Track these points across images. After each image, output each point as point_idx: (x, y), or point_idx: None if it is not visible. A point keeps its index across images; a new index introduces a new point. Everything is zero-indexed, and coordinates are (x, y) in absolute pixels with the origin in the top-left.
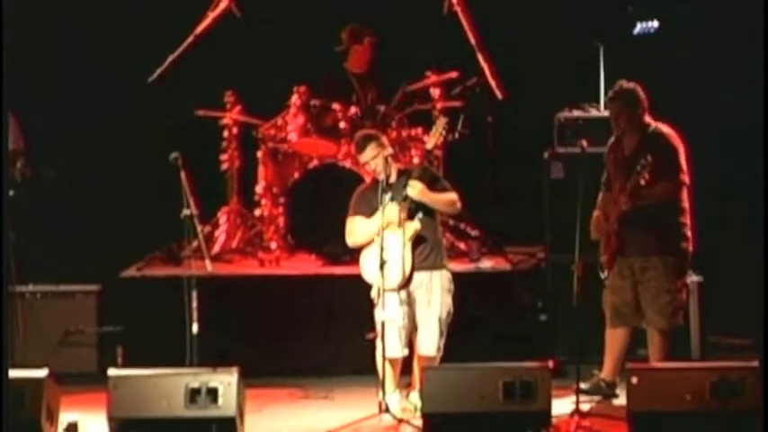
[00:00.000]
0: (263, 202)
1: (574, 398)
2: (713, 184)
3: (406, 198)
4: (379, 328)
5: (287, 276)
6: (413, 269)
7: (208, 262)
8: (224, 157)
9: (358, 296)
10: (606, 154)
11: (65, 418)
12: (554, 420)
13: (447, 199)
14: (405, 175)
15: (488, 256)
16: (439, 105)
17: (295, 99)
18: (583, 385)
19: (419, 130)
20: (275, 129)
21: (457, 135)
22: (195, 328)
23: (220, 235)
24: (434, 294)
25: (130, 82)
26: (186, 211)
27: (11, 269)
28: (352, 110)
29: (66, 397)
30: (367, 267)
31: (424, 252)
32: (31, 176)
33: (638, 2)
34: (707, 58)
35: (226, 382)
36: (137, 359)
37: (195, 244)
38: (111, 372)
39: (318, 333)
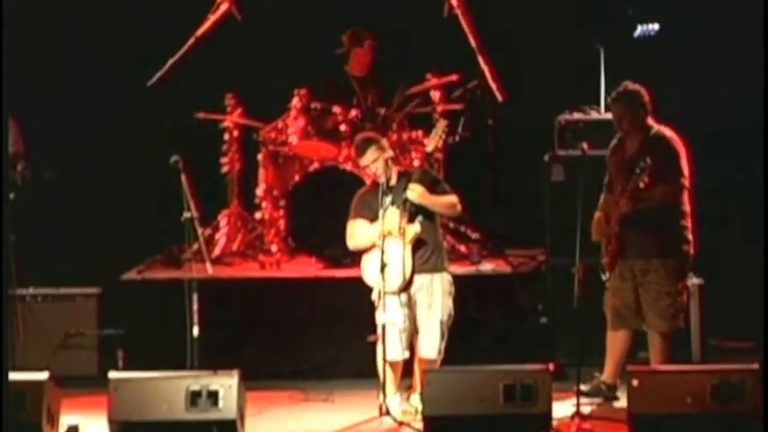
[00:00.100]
0: (264, 204)
1: (574, 400)
2: (713, 185)
3: (406, 201)
4: (379, 330)
5: (287, 279)
6: (413, 272)
7: (208, 265)
8: (224, 159)
9: (359, 299)
10: (608, 156)
11: (65, 420)
12: (555, 423)
13: (447, 201)
14: (405, 177)
15: (489, 258)
16: (439, 108)
17: (296, 102)
18: (583, 387)
19: (419, 132)
20: (276, 131)
21: (457, 138)
22: (196, 330)
23: (221, 238)
24: (435, 297)
25: (131, 84)
26: (187, 214)
27: (11, 271)
28: (353, 113)
29: (66, 400)
30: (368, 270)
31: (425, 255)
32: (32, 179)
33: (639, 4)
34: (707, 59)
35: (226, 384)
36: (137, 362)
37: (196, 247)
38: (112, 374)
39: (319, 336)
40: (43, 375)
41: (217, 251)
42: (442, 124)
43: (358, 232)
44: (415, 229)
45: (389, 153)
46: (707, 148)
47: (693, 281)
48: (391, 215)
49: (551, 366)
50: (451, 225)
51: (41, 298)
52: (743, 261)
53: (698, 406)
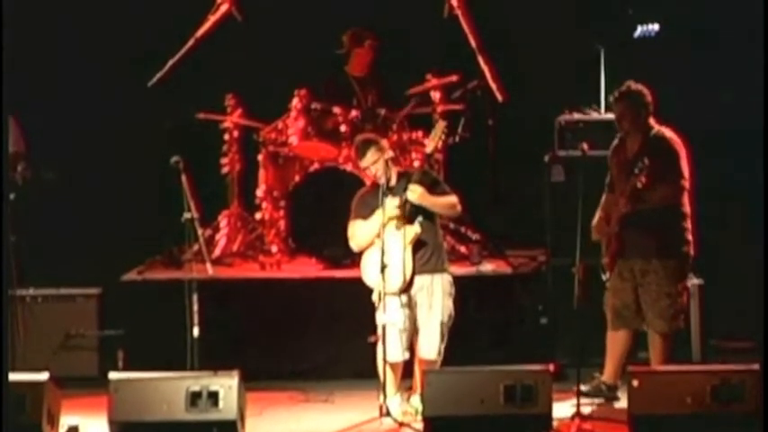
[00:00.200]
0: (264, 205)
1: (575, 401)
2: (713, 185)
3: (406, 202)
4: (380, 331)
5: (288, 280)
6: (413, 273)
7: (209, 265)
8: (225, 160)
9: (359, 299)
10: (610, 156)
11: (66, 421)
12: (555, 423)
13: (447, 202)
14: (405, 177)
15: (489, 259)
16: (439, 108)
17: (296, 102)
18: (583, 387)
19: (419, 133)
20: (276, 132)
21: (457, 138)
22: (196, 331)
23: (221, 238)
24: (435, 298)
25: (131, 84)
26: (187, 215)
27: (11, 272)
28: (353, 113)
29: (66, 400)
30: (368, 271)
31: (425, 255)
32: (32, 179)
33: (639, 5)
34: (707, 59)
35: (226, 385)
36: (137, 362)
37: (196, 247)
38: (112, 375)
39: (319, 336)
40: (43, 376)
41: (217, 252)
42: (441, 125)
43: (359, 232)
44: (415, 229)
45: (389, 154)
46: (707, 148)
47: (693, 281)
48: (391, 204)
49: (551, 367)
50: (452, 226)
51: (42, 298)
52: (743, 261)
53: (698, 406)
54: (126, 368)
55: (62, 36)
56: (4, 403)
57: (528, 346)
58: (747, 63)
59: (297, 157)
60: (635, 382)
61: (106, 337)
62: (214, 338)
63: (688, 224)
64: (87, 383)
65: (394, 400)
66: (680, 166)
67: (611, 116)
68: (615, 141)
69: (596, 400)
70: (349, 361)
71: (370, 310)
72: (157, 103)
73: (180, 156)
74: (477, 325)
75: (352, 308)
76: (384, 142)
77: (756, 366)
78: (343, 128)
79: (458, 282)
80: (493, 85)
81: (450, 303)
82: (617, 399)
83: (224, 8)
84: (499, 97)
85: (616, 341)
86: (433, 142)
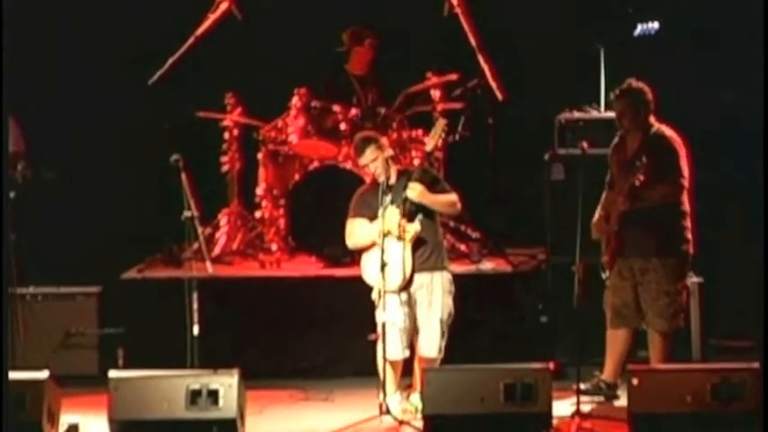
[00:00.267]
0: (264, 203)
1: (575, 399)
2: (713, 185)
3: (405, 200)
4: (379, 329)
5: (288, 278)
6: (413, 271)
7: (208, 264)
8: (224, 158)
9: (359, 298)
10: (610, 154)
11: (66, 419)
12: (555, 422)
13: (447, 200)
14: (405, 176)
15: (489, 257)
16: (439, 107)
17: (295, 101)
18: (583, 386)
19: (419, 131)
20: (276, 130)
21: (457, 136)
22: (196, 329)
23: (221, 237)
24: (435, 296)
25: (131, 83)
26: (187, 213)
27: (12, 271)
28: (353, 111)
29: (66, 399)
30: (368, 269)
31: (425, 254)
32: (32, 178)
33: (639, 3)
34: (707, 59)
35: (226, 383)
36: (137, 361)
37: (196, 246)
38: (112, 373)
39: (319, 335)
40: (43, 374)
41: (217, 250)
42: (441, 123)
43: (357, 231)
44: (414, 227)
45: (389, 152)
46: (707, 148)
47: (693, 280)
48: (391, 214)
49: (551, 365)
50: (452, 224)
51: (42, 297)
52: (743, 261)
53: (698, 405)
54: (126, 366)
55: (62, 36)
56: (4, 402)
57: (528, 345)
58: (747, 63)
59: (297, 156)
60: (635, 381)
61: (106, 335)
62: (214, 337)
63: (688, 223)
64: (87, 382)
65: (394, 399)
66: (679, 164)
67: (611, 114)
68: (615, 139)
69: (596, 399)
70: (349, 359)
71: (370, 308)
72: (157, 102)
73: (180, 154)
74: (477, 323)
75: (352, 306)
76: (384, 140)
77: (756, 365)
78: (342, 126)
79: (458, 280)
80: (493, 84)
81: (449, 301)
82: (617, 397)
83: (224, 7)
84: (499, 96)
85: (616, 340)
86: (433, 140)
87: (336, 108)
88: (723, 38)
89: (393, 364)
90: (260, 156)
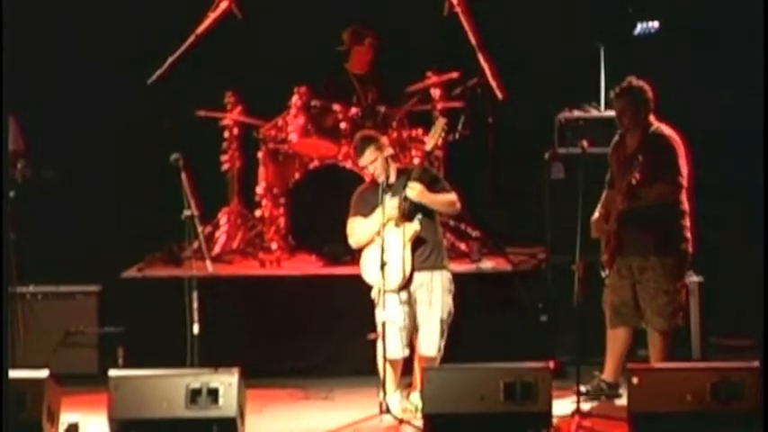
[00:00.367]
0: (264, 202)
1: (574, 398)
2: (713, 185)
3: (405, 199)
4: (379, 328)
5: (287, 277)
6: (413, 270)
7: (208, 263)
8: (225, 157)
9: (359, 297)
10: (610, 153)
11: (65, 418)
12: (555, 421)
13: (447, 199)
14: (404, 174)
15: (489, 256)
16: (439, 106)
17: (296, 100)
18: (585, 388)
19: (419, 130)
20: (276, 129)
21: (457, 135)
22: (196, 328)
23: (221, 236)
24: (435, 295)
25: (131, 82)
26: (187, 212)
27: (11, 270)
28: (353, 110)
29: (66, 398)
30: (367, 268)
31: (425, 253)
32: (32, 177)
33: (639, 2)
34: (707, 59)
35: (226, 382)
36: (137, 360)
37: (196, 245)
38: (112, 372)
39: (319, 334)
40: (43, 373)
41: (217, 249)
42: (441, 123)
43: (358, 229)
44: (414, 227)
45: (389, 151)
46: (707, 148)
47: (694, 279)
48: (390, 204)
49: (551, 364)
50: (451, 223)
51: (42, 296)
52: (743, 260)
53: (698, 404)
54: (126, 365)
55: (62, 36)
56: (4, 401)
57: (528, 344)
58: (747, 63)
59: (297, 155)
60: (635, 380)
61: (106, 334)
62: (214, 336)
63: (686, 222)
64: (87, 381)
65: (394, 398)
66: (678, 163)
67: (611, 113)
68: (615, 138)
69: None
70: (349, 358)
71: (370, 307)
72: (157, 101)
73: (180, 153)
74: (476, 322)
75: (352, 305)
76: (384, 139)
77: (756, 364)
78: (343, 125)
79: (458, 279)
80: (493, 83)
81: (449, 300)
82: (619, 396)
83: (224, 5)
84: (499, 95)
85: (616, 339)
86: (432, 140)
87: (336, 107)
88: (723, 38)
89: (393, 362)
90: (260, 155)
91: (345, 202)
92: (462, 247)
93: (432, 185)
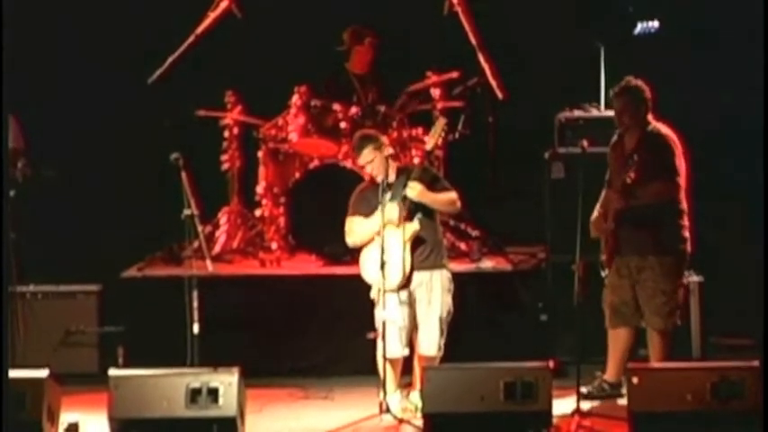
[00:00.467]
0: (264, 202)
1: (575, 398)
2: (713, 184)
3: (405, 199)
4: (379, 328)
5: (288, 276)
6: (412, 269)
7: (208, 262)
8: (225, 157)
9: (358, 296)
10: (609, 152)
11: (66, 418)
12: (555, 420)
13: (447, 199)
14: (404, 174)
15: (489, 256)
16: (439, 105)
17: (296, 99)
18: (586, 388)
19: (419, 130)
20: (276, 129)
21: (457, 135)
22: (196, 328)
23: (221, 235)
24: (435, 294)
25: (131, 82)
26: (187, 212)
27: (11, 269)
28: (353, 110)
29: (66, 397)
30: (367, 268)
31: (425, 252)
32: (32, 176)
33: (639, 2)
34: (707, 59)
35: (226, 382)
36: (138, 359)
37: (196, 244)
38: (112, 372)
39: (319, 333)
40: (43, 373)
41: (217, 248)
42: (441, 122)
43: (357, 228)
44: (413, 226)
45: (389, 150)
46: (707, 148)
47: (694, 279)
48: (391, 208)
49: (552, 364)
50: (451, 222)
51: (42, 295)
52: (743, 260)
53: (698, 403)
54: (126, 365)
55: (62, 36)
56: (4, 400)
57: (528, 343)
58: (747, 63)
59: (297, 154)
60: (635, 380)
61: (106, 333)
62: (214, 335)
63: (685, 221)
64: (87, 380)
65: (394, 397)
66: (674, 162)
67: (610, 113)
68: (614, 137)
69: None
70: (348, 358)
71: (370, 307)
72: (157, 101)
73: (180, 152)
74: (476, 322)
75: (352, 305)
76: (383, 139)
77: (756, 363)
78: (343, 125)
79: (457, 278)
80: (493, 83)
81: (449, 299)
82: (621, 396)
83: (224, 5)
84: (499, 94)
85: (617, 339)
86: (433, 139)
87: (336, 107)
88: (723, 38)
89: (393, 362)
90: (260, 154)
91: (345, 202)
92: (462, 246)
93: (432, 185)
